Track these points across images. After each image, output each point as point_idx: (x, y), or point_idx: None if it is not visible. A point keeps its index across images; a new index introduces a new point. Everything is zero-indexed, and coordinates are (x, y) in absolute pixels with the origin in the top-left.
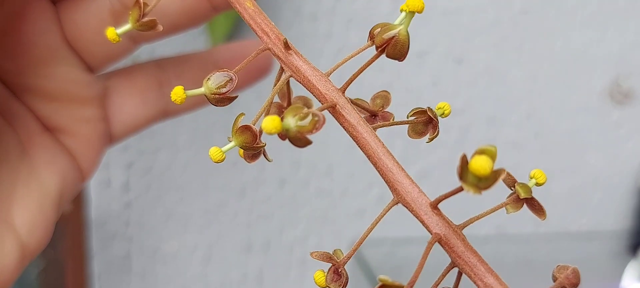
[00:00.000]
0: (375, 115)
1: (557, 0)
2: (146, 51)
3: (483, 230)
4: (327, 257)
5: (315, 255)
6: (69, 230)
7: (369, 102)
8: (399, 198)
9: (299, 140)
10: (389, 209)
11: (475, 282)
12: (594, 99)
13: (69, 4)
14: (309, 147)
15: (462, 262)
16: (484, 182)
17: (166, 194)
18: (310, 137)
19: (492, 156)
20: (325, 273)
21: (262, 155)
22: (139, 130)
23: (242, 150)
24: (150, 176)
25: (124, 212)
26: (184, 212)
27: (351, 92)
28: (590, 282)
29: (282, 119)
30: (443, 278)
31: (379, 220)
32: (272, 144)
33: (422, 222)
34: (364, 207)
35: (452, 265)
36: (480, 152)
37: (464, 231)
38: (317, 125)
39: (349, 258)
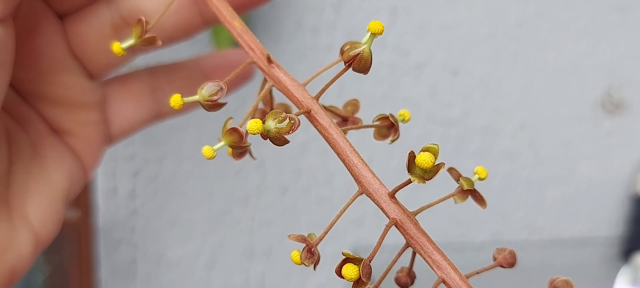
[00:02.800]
0: (346, 119)
1: (550, 13)
2: (145, 57)
3: (479, 238)
4: (302, 239)
5: (292, 237)
6: (76, 237)
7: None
8: (363, 189)
9: (278, 139)
10: (355, 199)
11: (424, 259)
12: (586, 109)
13: (74, 18)
14: (310, 156)
15: (415, 242)
16: (428, 174)
17: (171, 202)
18: (306, 145)
19: (435, 153)
20: (300, 252)
21: (248, 154)
22: (135, 131)
23: (230, 149)
24: (156, 184)
25: (129, 219)
26: (188, 219)
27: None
28: None
29: (263, 122)
30: (399, 257)
31: (346, 207)
32: (274, 154)
33: (382, 208)
34: (363, 215)
35: (407, 245)
36: (425, 149)
37: (462, 238)
38: (293, 127)
39: (320, 239)
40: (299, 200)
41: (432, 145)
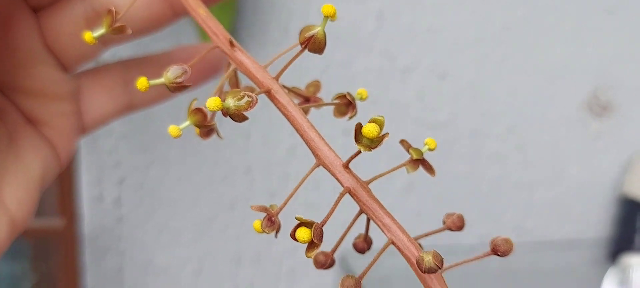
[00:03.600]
0: (308, 99)
1: (538, 16)
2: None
3: (468, 240)
4: (263, 209)
5: (254, 208)
6: (61, 245)
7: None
8: (320, 162)
9: (237, 116)
10: (312, 171)
11: (376, 223)
12: (574, 111)
13: (48, 12)
14: (298, 161)
15: (367, 208)
16: (373, 143)
17: (158, 209)
18: (293, 150)
19: (380, 124)
20: (261, 221)
21: (216, 134)
22: (108, 122)
23: (198, 132)
24: (142, 191)
25: (116, 227)
26: (175, 225)
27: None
28: None
29: (223, 101)
30: (353, 223)
31: (304, 179)
32: (261, 159)
33: (337, 178)
34: (350, 220)
35: (361, 211)
36: (371, 121)
37: (451, 241)
38: (251, 104)
39: (281, 209)
40: (287, 206)
41: (378, 117)
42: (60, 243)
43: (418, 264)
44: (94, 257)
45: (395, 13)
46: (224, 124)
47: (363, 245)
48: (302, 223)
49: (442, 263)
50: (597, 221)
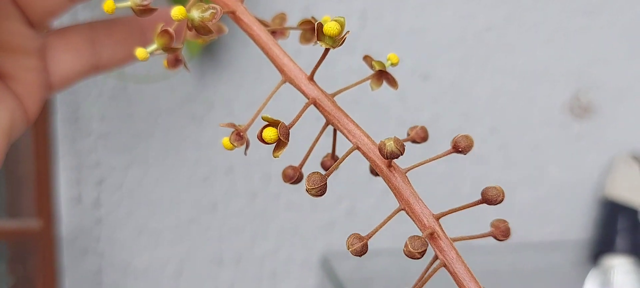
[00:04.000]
0: (274, 32)
1: (519, 17)
2: None
3: None
4: (232, 125)
5: (222, 124)
6: (39, 247)
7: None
8: (285, 77)
9: (202, 28)
10: (279, 88)
11: (341, 131)
12: (555, 113)
13: None
14: (279, 161)
15: (332, 117)
16: (335, 42)
17: (137, 210)
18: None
19: (341, 23)
20: (229, 136)
21: (183, 66)
22: (74, 81)
23: (166, 61)
24: (121, 192)
25: (94, 228)
26: (155, 227)
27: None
28: None
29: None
30: (321, 134)
31: (273, 94)
32: (242, 159)
33: (302, 91)
34: (333, 220)
35: (327, 123)
36: (333, 20)
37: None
38: (215, 16)
39: (249, 125)
40: (269, 206)
41: (340, 18)
42: (37, 245)
43: (380, 150)
44: (72, 259)
45: (378, 13)
46: (205, 125)
47: (330, 162)
48: (269, 124)
49: (404, 149)
50: (578, 222)
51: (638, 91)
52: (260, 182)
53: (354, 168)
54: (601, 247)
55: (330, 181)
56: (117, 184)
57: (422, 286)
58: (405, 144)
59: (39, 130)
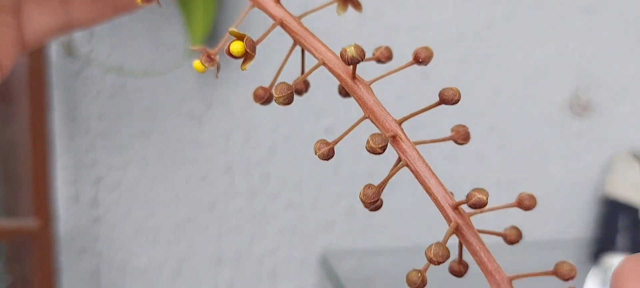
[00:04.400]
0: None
1: (519, 15)
2: None
3: (449, 241)
4: (202, 48)
5: (194, 47)
6: (37, 246)
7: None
8: (253, 3)
9: None
10: (248, 11)
11: (308, 49)
12: (555, 111)
13: None
14: (278, 160)
15: (299, 37)
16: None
17: (135, 209)
18: (273, 149)
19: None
20: (200, 59)
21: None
22: (47, 39)
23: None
24: (119, 191)
25: (92, 227)
26: (153, 226)
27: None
28: None
29: None
30: (289, 56)
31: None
32: (242, 159)
33: (269, 12)
34: (333, 219)
35: (295, 43)
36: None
37: (428, 240)
38: None
39: (220, 48)
40: (268, 206)
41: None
42: (35, 244)
43: (341, 56)
44: (70, 259)
45: (377, 11)
46: (204, 124)
47: (302, 86)
48: (236, 38)
49: (364, 54)
50: (578, 221)
51: (638, 89)
52: (259, 181)
53: (353, 167)
54: (601, 245)
55: (330, 181)
56: (115, 183)
57: (386, 183)
58: (367, 58)
59: (37, 129)
